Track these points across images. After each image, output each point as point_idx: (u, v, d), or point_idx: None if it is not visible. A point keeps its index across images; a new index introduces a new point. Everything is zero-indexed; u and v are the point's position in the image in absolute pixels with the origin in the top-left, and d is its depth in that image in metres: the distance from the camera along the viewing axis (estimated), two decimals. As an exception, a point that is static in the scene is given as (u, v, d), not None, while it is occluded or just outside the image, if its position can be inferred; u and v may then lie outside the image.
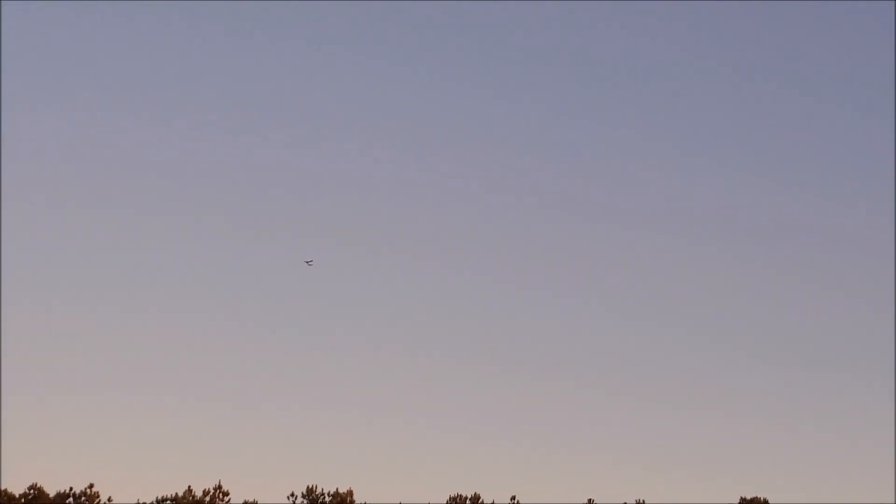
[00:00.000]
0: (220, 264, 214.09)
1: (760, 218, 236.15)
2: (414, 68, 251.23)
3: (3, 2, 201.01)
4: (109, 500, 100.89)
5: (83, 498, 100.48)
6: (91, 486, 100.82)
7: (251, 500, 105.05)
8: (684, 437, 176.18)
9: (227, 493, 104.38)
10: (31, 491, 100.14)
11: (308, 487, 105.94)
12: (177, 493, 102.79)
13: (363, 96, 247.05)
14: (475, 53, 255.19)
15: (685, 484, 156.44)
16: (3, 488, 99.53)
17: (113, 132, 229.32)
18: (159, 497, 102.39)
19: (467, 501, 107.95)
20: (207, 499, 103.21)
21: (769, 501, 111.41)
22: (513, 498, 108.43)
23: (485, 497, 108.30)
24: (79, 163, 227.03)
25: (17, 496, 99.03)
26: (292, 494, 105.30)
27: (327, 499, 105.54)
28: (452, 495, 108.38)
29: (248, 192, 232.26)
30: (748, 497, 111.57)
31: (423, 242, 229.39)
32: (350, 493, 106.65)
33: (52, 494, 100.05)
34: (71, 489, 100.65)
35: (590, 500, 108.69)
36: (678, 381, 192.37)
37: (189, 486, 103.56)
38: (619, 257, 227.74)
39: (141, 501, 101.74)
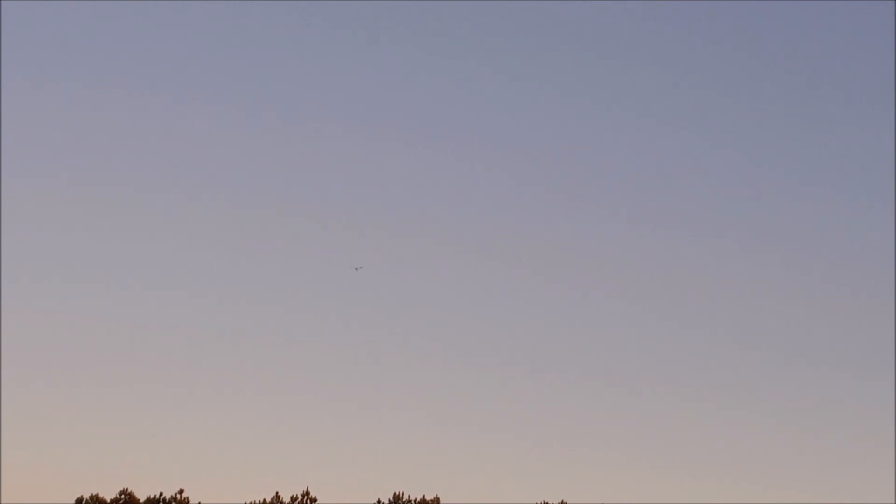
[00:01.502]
0: (250, 261, 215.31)
1: (767, 216, 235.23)
2: (414, 67, 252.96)
3: (3, 2, 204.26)
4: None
5: (173, 503, 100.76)
6: (181, 491, 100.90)
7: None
8: (692, 437, 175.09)
9: (314, 500, 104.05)
10: (122, 496, 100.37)
11: (395, 494, 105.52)
12: (265, 499, 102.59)
13: (362, 95, 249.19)
14: (478, 52, 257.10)
15: (692, 485, 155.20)
16: (94, 493, 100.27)
17: (113, 132, 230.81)
18: (248, 502, 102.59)
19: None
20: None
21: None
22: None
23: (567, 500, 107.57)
24: (79, 162, 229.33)
25: (108, 501, 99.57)
26: (379, 501, 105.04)
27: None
28: (538, 503, 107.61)
29: (248, 192, 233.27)
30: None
31: (424, 238, 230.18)
32: (437, 500, 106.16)
33: (142, 499, 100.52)
34: (161, 494, 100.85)
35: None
36: (690, 381, 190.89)
37: (277, 492, 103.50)
38: (624, 256, 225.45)
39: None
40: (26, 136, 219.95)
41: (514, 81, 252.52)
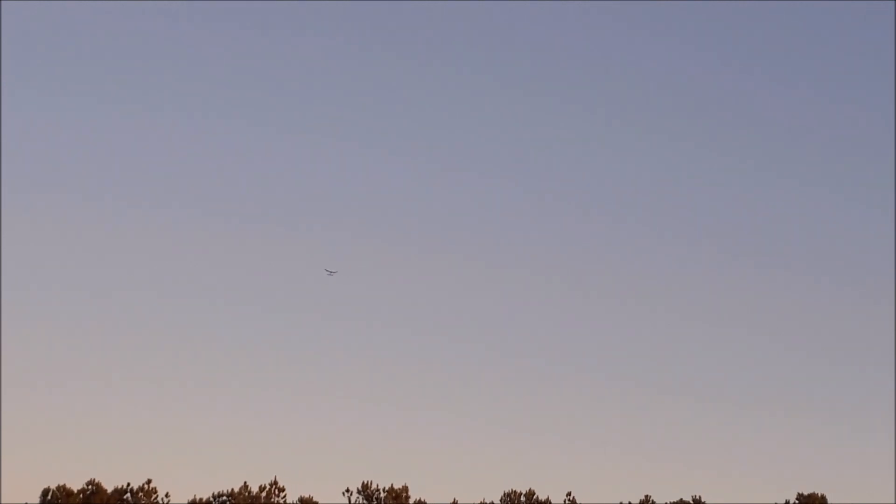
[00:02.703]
0: (255, 259, 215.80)
1: (767, 218, 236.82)
2: (415, 67, 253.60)
3: (3, 2, 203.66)
4: (167, 496, 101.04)
5: (140, 494, 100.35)
6: (149, 481, 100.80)
7: (306, 495, 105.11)
8: (732, 436, 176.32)
9: (282, 489, 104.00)
10: (90, 486, 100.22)
11: (363, 483, 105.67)
12: (233, 489, 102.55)
13: (361, 95, 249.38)
14: (483, 53, 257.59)
15: (735, 480, 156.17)
16: (61, 484, 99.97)
17: (113, 132, 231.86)
18: (216, 493, 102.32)
19: (521, 498, 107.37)
20: (264, 494, 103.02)
21: (826, 498, 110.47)
22: (568, 494, 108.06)
23: (539, 494, 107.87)
24: (78, 162, 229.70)
25: (75, 491, 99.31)
26: (347, 490, 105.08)
27: (382, 495, 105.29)
28: (507, 491, 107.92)
29: (247, 192, 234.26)
30: (805, 493, 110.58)
31: (432, 241, 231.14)
32: (405, 489, 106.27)
33: (109, 490, 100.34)
34: (129, 485, 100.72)
35: (647, 496, 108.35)
36: (728, 385, 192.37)
37: (245, 482, 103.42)
38: (637, 261, 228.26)
39: (198, 497, 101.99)
40: (26, 136, 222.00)
41: (512, 87, 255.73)
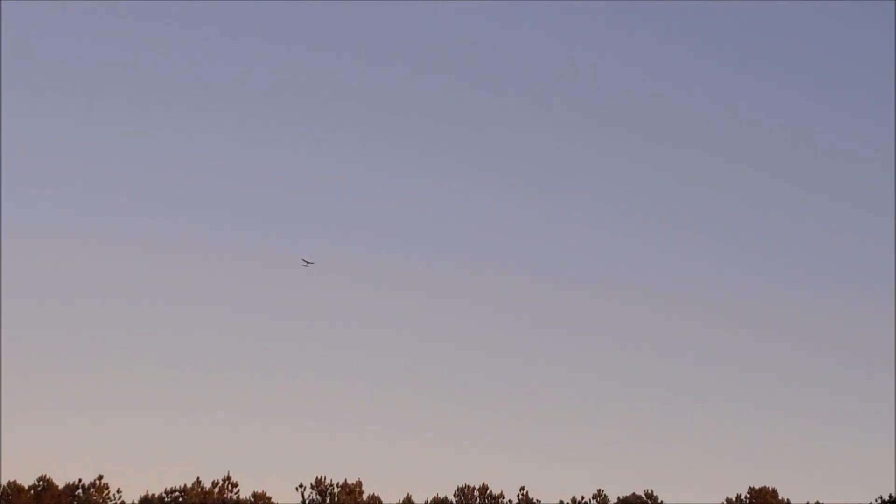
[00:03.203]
0: (219, 261, 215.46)
1: (765, 221, 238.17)
2: (409, 69, 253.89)
3: (3, 2, 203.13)
4: (119, 491, 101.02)
5: (92, 490, 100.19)
6: (100, 477, 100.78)
7: (260, 491, 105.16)
8: (689, 431, 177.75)
9: (235, 485, 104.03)
10: (40, 483, 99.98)
11: (317, 479, 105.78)
12: (185, 485, 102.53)
13: (358, 98, 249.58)
14: (480, 54, 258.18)
15: (689, 475, 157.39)
16: (11, 480, 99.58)
17: (112, 131, 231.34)
18: (168, 489, 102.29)
19: (475, 492, 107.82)
20: (216, 490, 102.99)
21: (777, 492, 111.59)
22: (522, 489, 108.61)
23: (493, 488, 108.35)
24: (78, 161, 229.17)
25: (25, 488, 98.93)
26: (301, 485, 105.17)
27: (336, 490, 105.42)
28: (460, 486, 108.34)
29: (247, 192, 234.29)
30: (757, 486, 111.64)
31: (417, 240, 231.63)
32: (359, 484, 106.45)
33: (60, 486, 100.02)
34: (80, 481, 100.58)
35: (600, 490, 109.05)
36: (684, 381, 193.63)
37: (198, 478, 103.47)
38: (619, 259, 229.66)
39: (150, 493, 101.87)
40: (27, 136, 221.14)
41: (509, 89, 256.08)
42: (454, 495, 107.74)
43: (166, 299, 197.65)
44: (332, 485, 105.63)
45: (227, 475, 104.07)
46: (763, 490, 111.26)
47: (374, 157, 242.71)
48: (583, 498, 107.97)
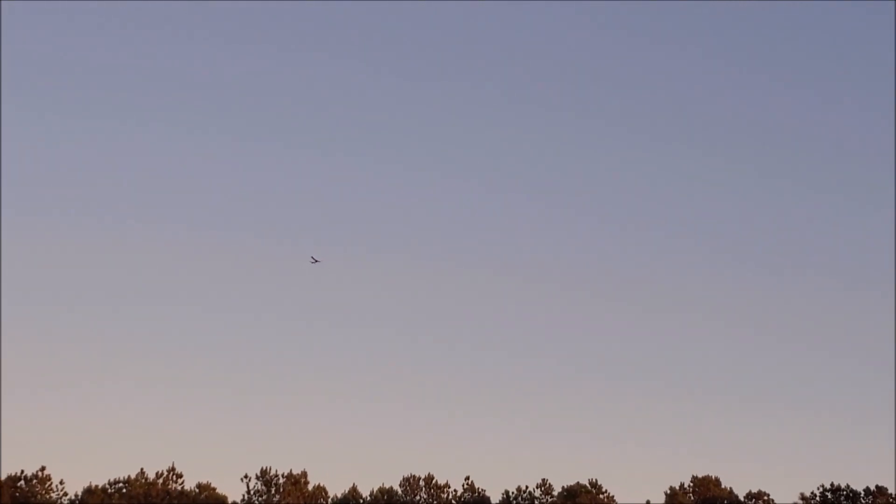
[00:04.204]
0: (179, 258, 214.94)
1: (764, 219, 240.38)
2: (409, 71, 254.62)
3: (3, 2, 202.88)
4: (62, 482, 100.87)
5: (35, 481, 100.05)
6: (42, 468, 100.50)
7: (205, 482, 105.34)
8: (634, 422, 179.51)
9: (180, 476, 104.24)
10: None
11: (262, 469, 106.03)
12: (129, 476, 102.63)
13: (358, 101, 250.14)
14: (480, 55, 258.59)
15: (634, 464, 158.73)
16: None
17: (112, 131, 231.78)
18: (111, 480, 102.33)
19: (420, 482, 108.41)
20: (161, 481, 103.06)
21: (720, 480, 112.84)
22: (467, 478, 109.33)
23: (438, 478, 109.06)
24: (78, 161, 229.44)
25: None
26: (246, 476, 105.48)
27: (281, 480, 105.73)
28: (406, 476, 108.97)
29: (246, 192, 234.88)
30: (700, 475, 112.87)
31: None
32: (304, 474, 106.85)
33: (2, 478, 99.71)
34: (22, 472, 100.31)
35: (544, 479, 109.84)
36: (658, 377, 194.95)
37: (142, 469, 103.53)
38: (619, 265, 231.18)
39: (93, 484, 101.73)
40: (27, 136, 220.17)
41: (509, 90, 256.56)
42: (400, 485, 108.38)
43: (124, 294, 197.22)
44: (277, 475, 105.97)
45: (171, 466, 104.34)
46: (706, 479, 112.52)
47: (374, 157, 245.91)
48: (527, 487, 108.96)
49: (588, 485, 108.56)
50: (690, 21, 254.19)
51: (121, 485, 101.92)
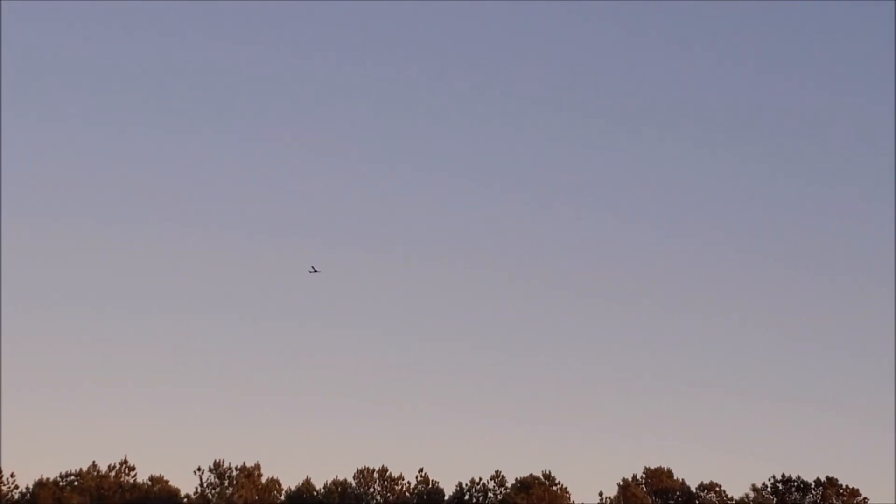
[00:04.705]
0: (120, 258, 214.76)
1: (763, 214, 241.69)
2: (408, 70, 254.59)
3: (3, 2, 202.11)
4: (13, 475, 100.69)
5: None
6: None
7: (157, 474, 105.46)
8: (587, 413, 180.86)
9: (132, 468, 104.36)
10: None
11: (215, 462, 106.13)
12: (81, 469, 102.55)
13: (358, 99, 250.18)
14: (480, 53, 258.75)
15: (587, 456, 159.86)
16: None
17: (113, 131, 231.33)
18: (63, 472, 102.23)
19: (374, 474, 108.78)
20: (113, 474, 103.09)
21: (672, 471, 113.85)
22: (420, 470, 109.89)
23: (392, 470, 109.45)
24: (78, 161, 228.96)
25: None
26: (199, 469, 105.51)
27: (234, 473, 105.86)
28: (360, 468, 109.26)
29: (245, 193, 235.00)
30: (653, 467, 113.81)
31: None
32: (257, 467, 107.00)
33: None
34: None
35: (497, 471, 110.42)
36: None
37: (94, 462, 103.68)
38: (618, 262, 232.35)
39: (45, 477, 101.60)
40: (27, 136, 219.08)
41: (507, 88, 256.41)
42: (353, 478, 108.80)
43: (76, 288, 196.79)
44: (230, 468, 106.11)
45: (123, 459, 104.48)
46: (658, 470, 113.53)
47: (373, 157, 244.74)
48: (480, 479, 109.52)
49: (542, 476, 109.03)
50: (690, 21, 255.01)
51: (73, 478, 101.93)
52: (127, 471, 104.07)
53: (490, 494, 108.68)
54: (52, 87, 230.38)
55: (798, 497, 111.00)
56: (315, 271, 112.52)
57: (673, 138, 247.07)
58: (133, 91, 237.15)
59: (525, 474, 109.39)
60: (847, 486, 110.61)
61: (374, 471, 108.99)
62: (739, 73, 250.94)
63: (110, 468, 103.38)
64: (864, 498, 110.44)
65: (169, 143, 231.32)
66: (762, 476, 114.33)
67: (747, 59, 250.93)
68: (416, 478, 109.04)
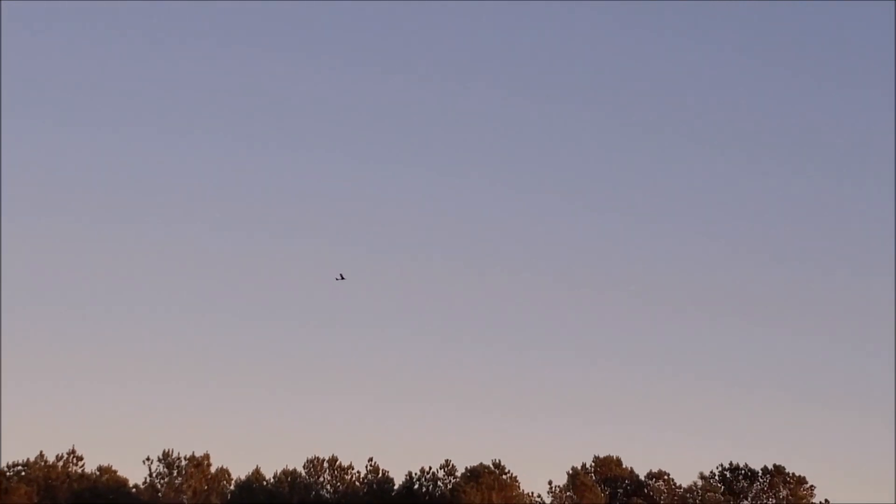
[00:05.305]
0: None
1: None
2: (409, 70, 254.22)
3: (3, 2, 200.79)
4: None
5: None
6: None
7: (106, 464, 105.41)
8: (536, 401, 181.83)
9: (80, 458, 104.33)
10: None
11: (164, 452, 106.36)
12: (28, 459, 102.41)
13: (362, 99, 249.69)
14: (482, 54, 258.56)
15: (536, 445, 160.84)
16: None
17: (113, 131, 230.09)
18: (10, 463, 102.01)
19: (324, 464, 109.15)
20: (61, 464, 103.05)
21: (621, 460, 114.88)
22: (370, 460, 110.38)
23: (342, 459, 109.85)
24: (78, 160, 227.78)
25: None
26: (148, 459, 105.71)
27: (183, 463, 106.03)
28: (310, 458, 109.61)
29: (243, 192, 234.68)
30: (602, 456, 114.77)
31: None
32: (206, 456, 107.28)
33: None
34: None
35: (447, 460, 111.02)
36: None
37: (41, 452, 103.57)
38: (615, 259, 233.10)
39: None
40: (26, 136, 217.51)
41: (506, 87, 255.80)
42: (303, 467, 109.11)
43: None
44: (179, 458, 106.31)
45: (71, 449, 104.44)
46: (607, 459, 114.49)
47: (373, 156, 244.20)
48: (430, 468, 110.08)
49: (491, 466, 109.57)
50: (690, 21, 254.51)
51: (20, 468, 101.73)
52: (75, 461, 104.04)
53: (440, 484, 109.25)
54: (52, 88, 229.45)
55: (745, 485, 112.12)
56: (342, 279, 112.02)
57: (673, 138, 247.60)
58: (133, 91, 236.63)
59: (475, 463, 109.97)
60: (794, 473, 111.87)
61: (323, 460, 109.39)
62: (739, 74, 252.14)
63: (58, 458, 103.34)
64: (811, 486, 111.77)
65: (169, 143, 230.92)
66: (710, 464, 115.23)
67: (747, 58, 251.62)
68: (366, 467, 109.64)
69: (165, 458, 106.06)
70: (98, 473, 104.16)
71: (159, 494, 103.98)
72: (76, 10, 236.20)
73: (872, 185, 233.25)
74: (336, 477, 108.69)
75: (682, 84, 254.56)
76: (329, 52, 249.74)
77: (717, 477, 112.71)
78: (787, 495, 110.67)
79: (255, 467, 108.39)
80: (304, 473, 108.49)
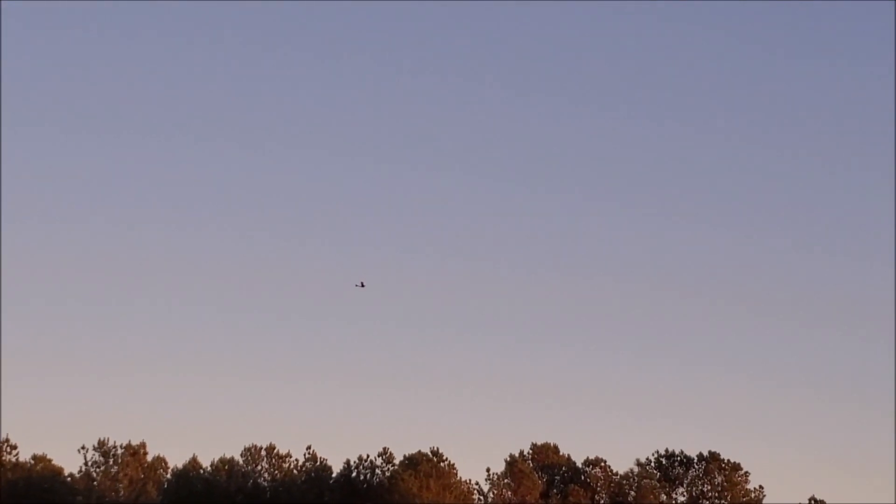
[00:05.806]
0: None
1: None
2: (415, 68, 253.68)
3: (3, 2, 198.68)
4: None
5: None
6: None
7: (41, 453, 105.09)
8: (476, 389, 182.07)
9: (14, 447, 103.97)
10: None
11: (100, 440, 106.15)
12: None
13: (363, 98, 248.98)
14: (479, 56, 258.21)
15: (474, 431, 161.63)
16: None
17: (113, 131, 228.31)
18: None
19: (262, 452, 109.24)
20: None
21: (559, 447, 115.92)
22: (308, 448, 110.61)
23: (280, 447, 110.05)
24: (78, 160, 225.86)
25: None
26: (83, 447, 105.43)
27: (119, 451, 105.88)
28: (247, 446, 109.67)
29: (243, 191, 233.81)
30: (539, 443, 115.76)
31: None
32: (143, 445, 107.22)
33: None
34: None
35: (385, 448, 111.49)
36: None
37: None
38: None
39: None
40: (26, 136, 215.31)
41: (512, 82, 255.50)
42: (241, 455, 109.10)
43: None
44: (115, 446, 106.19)
45: (5, 437, 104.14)
46: (545, 446, 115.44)
47: (373, 157, 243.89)
48: (368, 456, 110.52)
49: (429, 453, 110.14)
50: (690, 21, 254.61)
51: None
52: (9, 449, 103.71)
53: (378, 471, 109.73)
54: (52, 88, 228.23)
55: (681, 471, 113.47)
56: (362, 286, 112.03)
57: (677, 135, 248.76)
58: (133, 91, 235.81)
59: (413, 451, 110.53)
60: (729, 460, 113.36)
61: (261, 448, 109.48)
62: (739, 74, 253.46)
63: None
64: (746, 472, 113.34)
65: (169, 143, 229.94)
66: (646, 451, 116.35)
67: (747, 58, 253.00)
68: (304, 455, 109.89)
69: (101, 446, 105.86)
70: (32, 462, 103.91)
71: (95, 483, 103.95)
72: (76, 10, 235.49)
73: (873, 184, 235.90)
74: (274, 465, 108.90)
75: (687, 81, 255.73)
76: (329, 52, 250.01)
77: (653, 464, 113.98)
78: (721, 481, 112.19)
79: (192, 456, 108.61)
80: (241, 462, 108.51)
